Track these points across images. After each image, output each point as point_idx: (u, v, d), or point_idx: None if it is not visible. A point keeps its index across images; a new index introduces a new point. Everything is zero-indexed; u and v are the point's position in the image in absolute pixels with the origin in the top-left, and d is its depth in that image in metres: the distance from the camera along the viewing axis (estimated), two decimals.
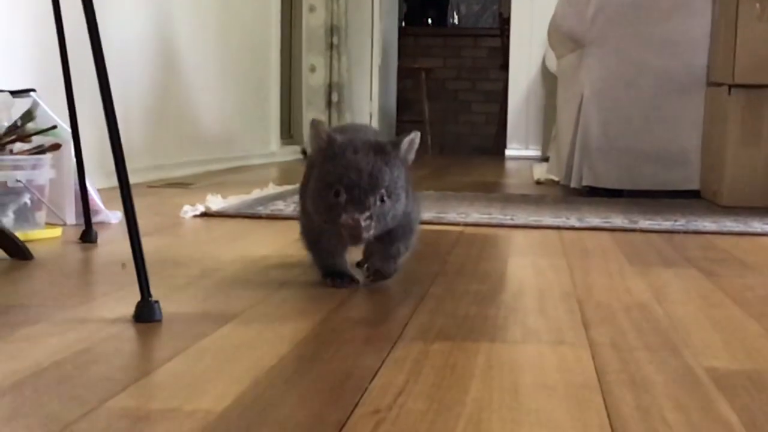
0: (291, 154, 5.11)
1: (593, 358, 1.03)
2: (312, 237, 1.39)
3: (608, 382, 0.93)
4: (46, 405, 0.82)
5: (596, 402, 0.87)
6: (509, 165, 5.30)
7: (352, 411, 0.82)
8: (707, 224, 2.28)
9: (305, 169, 1.42)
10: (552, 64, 5.14)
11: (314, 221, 1.32)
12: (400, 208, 1.29)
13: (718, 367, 1.00)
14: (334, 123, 5.44)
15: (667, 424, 0.81)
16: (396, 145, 1.29)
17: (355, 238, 1.23)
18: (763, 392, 0.91)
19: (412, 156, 1.33)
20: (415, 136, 1.31)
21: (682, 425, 0.81)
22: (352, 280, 1.38)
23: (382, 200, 1.24)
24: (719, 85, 2.89)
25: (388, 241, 1.33)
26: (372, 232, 1.24)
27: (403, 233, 1.36)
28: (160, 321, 1.15)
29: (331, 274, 1.38)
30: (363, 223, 1.21)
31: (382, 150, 1.27)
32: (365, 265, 1.42)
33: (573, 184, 3.22)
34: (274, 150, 4.87)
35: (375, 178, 1.23)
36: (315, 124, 1.29)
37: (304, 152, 5.20)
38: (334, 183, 1.23)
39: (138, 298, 1.16)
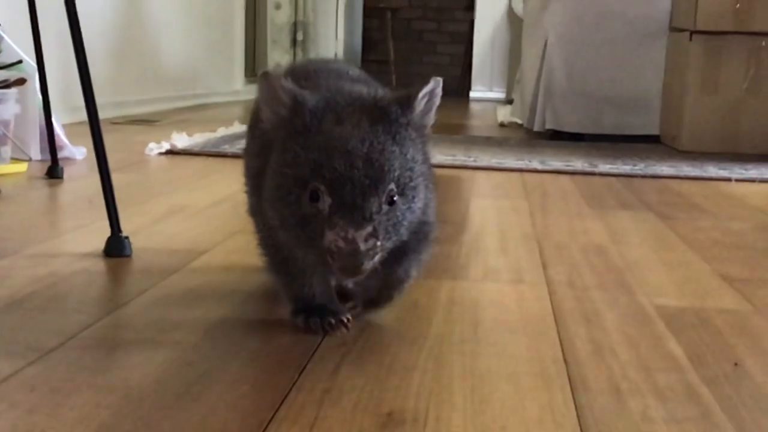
0: (255, 92, 5.07)
1: (550, 296, 1.07)
2: (277, 253, 0.90)
3: (564, 318, 0.98)
4: (24, 334, 0.84)
5: (551, 336, 0.91)
6: (473, 107, 5.32)
7: (319, 344, 0.86)
8: (665, 169, 2.33)
9: (250, 145, 0.97)
10: (518, 7, 5.14)
11: (277, 234, 0.85)
12: (418, 207, 0.81)
13: (668, 305, 1.05)
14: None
15: (617, 357, 0.86)
16: (406, 103, 0.81)
17: (352, 270, 0.75)
18: (709, 328, 0.97)
19: (431, 118, 0.85)
20: (435, 86, 0.83)
21: (631, 358, 0.85)
22: (341, 322, 0.90)
23: (391, 202, 0.77)
24: (681, 30, 2.92)
25: (393, 258, 0.83)
26: (378, 257, 0.77)
27: (416, 244, 0.88)
28: (129, 256, 1.17)
29: (308, 310, 0.90)
30: (362, 246, 0.74)
31: (385, 114, 0.80)
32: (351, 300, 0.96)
33: (536, 128, 3.26)
34: (238, 88, 4.85)
35: (378, 165, 0.76)
36: (267, 76, 0.83)
37: None
38: (309, 178, 0.76)
39: (107, 233, 1.18)
